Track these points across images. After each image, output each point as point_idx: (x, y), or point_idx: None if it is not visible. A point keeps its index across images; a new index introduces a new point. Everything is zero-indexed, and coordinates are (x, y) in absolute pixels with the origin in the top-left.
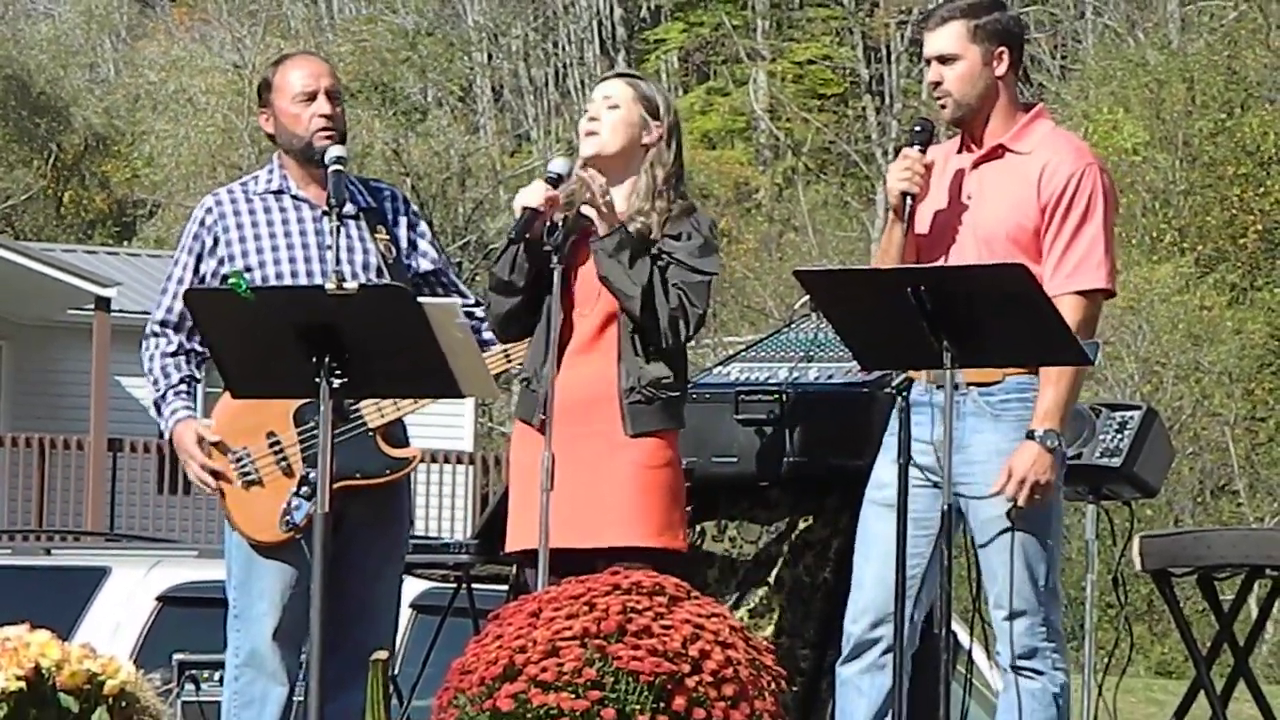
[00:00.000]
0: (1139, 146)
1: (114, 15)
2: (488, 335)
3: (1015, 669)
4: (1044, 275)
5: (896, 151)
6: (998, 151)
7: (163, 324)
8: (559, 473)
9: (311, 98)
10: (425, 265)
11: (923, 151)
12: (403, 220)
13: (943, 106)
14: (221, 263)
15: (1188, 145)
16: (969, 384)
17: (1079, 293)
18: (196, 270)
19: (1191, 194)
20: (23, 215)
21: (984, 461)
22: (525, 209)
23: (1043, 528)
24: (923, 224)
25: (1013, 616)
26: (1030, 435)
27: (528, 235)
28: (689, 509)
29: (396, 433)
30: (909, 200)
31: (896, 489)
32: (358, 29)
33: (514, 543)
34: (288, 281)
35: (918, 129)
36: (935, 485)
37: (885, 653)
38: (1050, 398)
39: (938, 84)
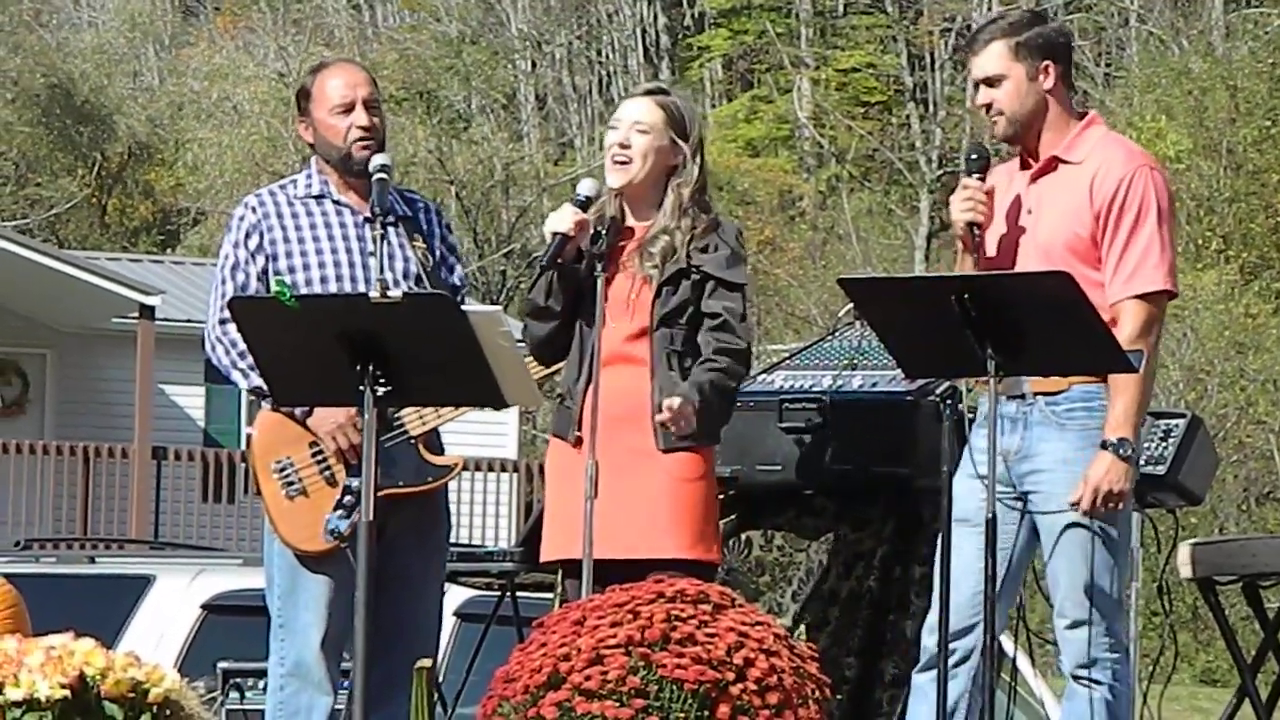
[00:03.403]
0: (1182, 154)
1: (157, 23)
2: None
3: (1075, 678)
4: (1105, 282)
5: (941, 160)
6: (1052, 164)
7: (222, 322)
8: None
9: (349, 108)
10: (455, 281)
11: (981, 179)
12: (437, 232)
13: (994, 125)
14: (268, 261)
15: (1231, 153)
16: (1035, 393)
17: (1139, 296)
18: (252, 260)
19: (1236, 201)
20: (67, 223)
21: (1050, 470)
22: (555, 234)
23: (1111, 538)
24: (990, 246)
25: (1075, 625)
26: (1104, 445)
27: (560, 260)
28: (734, 518)
29: (434, 440)
30: (975, 230)
31: (970, 504)
32: (402, 37)
33: (551, 552)
34: (331, 286)
35: (974, 157)
36: (1006, 497)
37: (957, 664)
38: (1121, 406)
39: (988, 106)
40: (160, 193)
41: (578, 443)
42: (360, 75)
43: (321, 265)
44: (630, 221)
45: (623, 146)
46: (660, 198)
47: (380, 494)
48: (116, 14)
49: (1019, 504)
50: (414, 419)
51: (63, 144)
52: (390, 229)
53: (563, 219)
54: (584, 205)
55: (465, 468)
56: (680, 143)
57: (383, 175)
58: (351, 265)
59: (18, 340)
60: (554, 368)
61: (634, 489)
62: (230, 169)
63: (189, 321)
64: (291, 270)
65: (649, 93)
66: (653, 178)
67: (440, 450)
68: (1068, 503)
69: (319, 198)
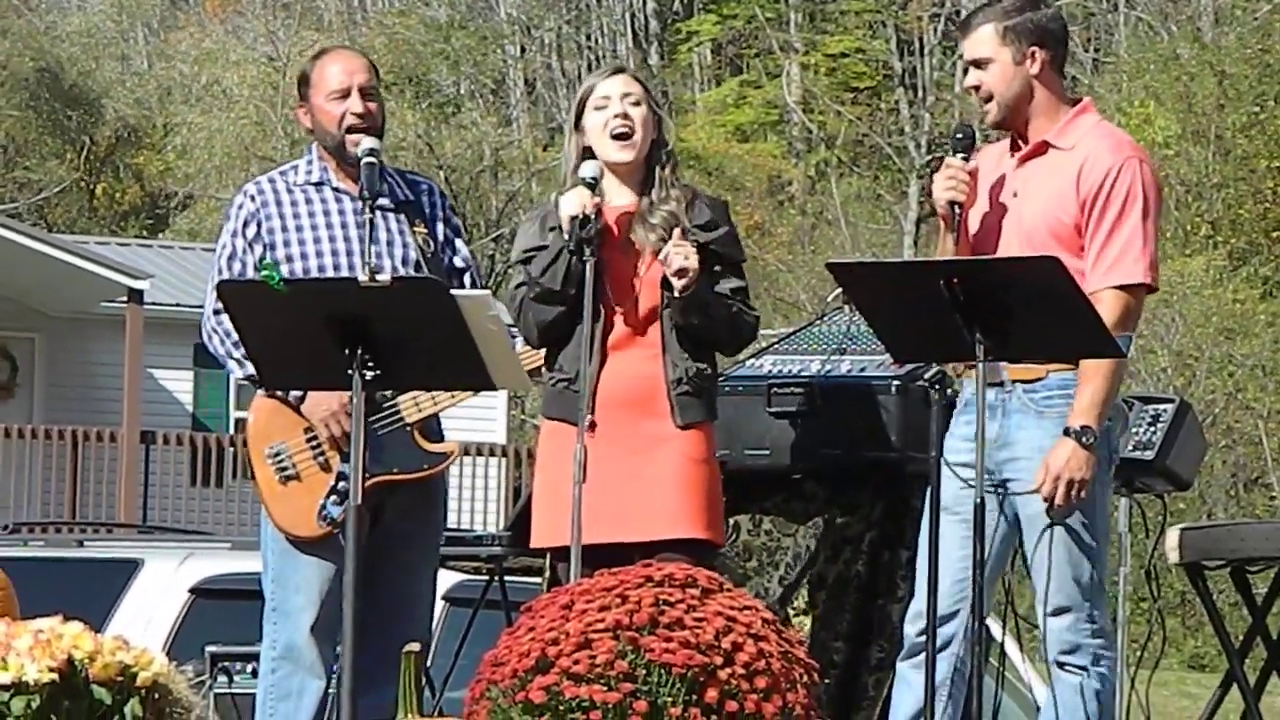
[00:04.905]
0: (1171, 140)
1: (146, 7)
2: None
3: (1059, 664)
4: (1086, 270)
5: (929, 145)
6: (1041, 148)
7: (218, 312)
8: (603, 468)
9: (345, 94)
10: (458, 263)
11: (965, 159)
12: (440, 215)
13: (985, 110)
14: (266, 249)
15: (1220, 139)
16: (1014, 381)
17: (1118, 287)
18: (250, 250)
19: (1224, 187)
20: (55, 208)
21: (1028, 458)
22: (574, 218)
23: (1088, 524)
24: (973, 227)
25: (1056, 613)
26: (1066, 432)
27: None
28: (722, 502)
29: (432, 427)
30: (956, 209)
31: (950, 491)
32: (391, 22)
33: (551, 538)
34: (330, 273)
35: (959, 136)
36: (986, 484)
37: (939, 650)
38: (1088, 394)
39: (977, 88)
40: (149, 177)
41: (592, 427)
42: (358, 62)
43: (320, 254)
44: (615, 200)
45: (625, 119)
46: (643, 172)
47: (374, 480)
48: None
49: (999, 491)
50: (410, 405)
51: (51, 128)
52: (390, 215)
53: (580, 202)
54: (592, 187)
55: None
56: (661, 113)
57: (370, 159)
58: (350, 253)
59: (6, 324)
60: (541, 354)
61: (651, 472)
62: (219, 153)
63: (178, 306)
64: (290, 259)
65: (619, 70)
66: (644, 151)
67: (439, 437)
68: (1032, 487)
69: (319, 184)
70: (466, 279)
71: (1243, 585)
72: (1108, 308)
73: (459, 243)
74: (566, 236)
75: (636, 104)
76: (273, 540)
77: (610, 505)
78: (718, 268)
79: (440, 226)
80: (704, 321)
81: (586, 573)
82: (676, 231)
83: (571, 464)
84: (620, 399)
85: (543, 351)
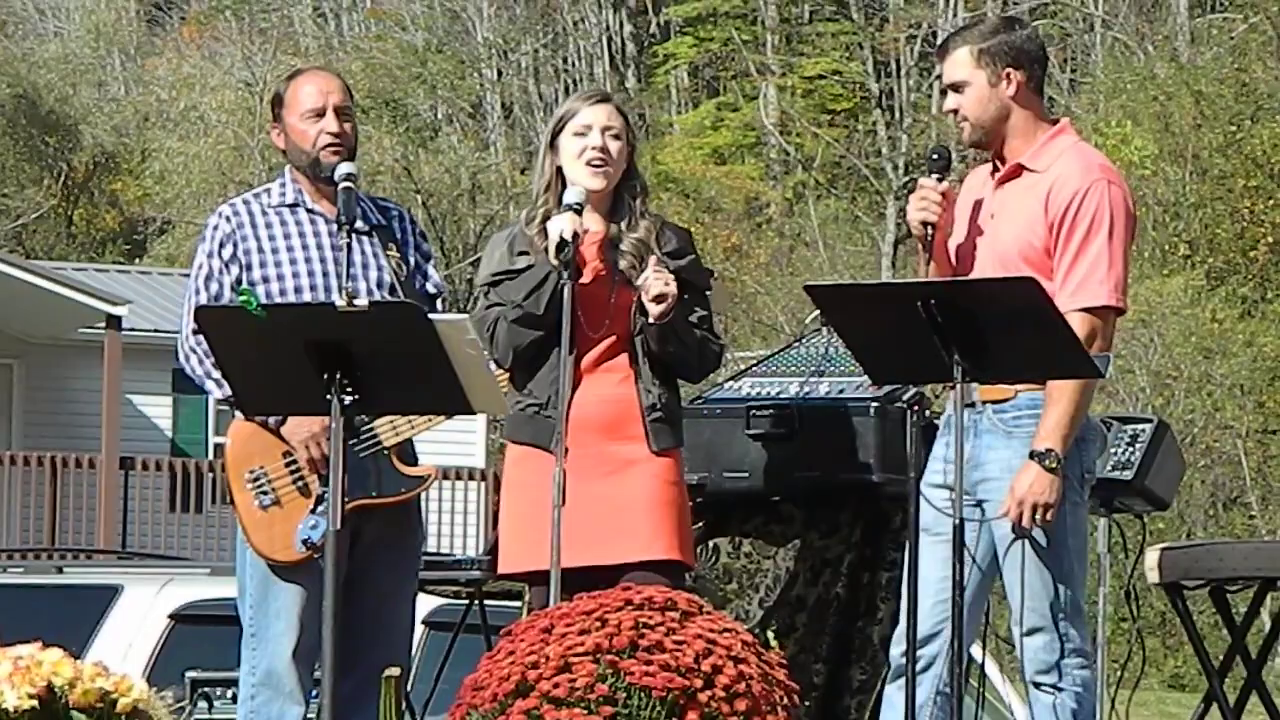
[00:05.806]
0: (1147, 160)
1: (123, 33)
2: None
3: (1036, 685)
4: (1054, 293)
5: (907, 167)
6: (1016, 171)
7: (196, 332)
8: (576, 492)
9: (320, 114)
10: (430, 288)
11: (940, 179)
12: (411, 241)
13: (961, 131)
14: (242, 270)
15: (1197, 158)
16: (984, 401)
17: (1083, 310)
18: (226, 270)
19: (1201, 207)
20: (33, 234)
21: (998, 479)
22: (563, 240)
23: (1059, 544)
24: (952, 249)
25: (1030, 633)
26: (1031, 455)
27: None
28: (701, 525)
29: (407, 450)
30: (930, 230)
31: (930, 512)
32: (367, 46)
33: (523, 563)
34: (305, 295)
35: (934, 157)
36: (965, 504)
37: (921, 672)
38: (1053, 417)
39: (955, 111)
40: (127, 203)
41: (567, 453)
42: (333, 83)
43: (295, 275)
44: (586, 226)
45: (603, 151)
46: (612, 200)
47: (353, 504)
48: (82, 24)
49: (977, 511)
50: (387, 429)
51: (29, 154)
52: (364, 238)
53: (569, 225)
54: (579, 212)
55: (434, 477)
56: (635, 144)
57: (348, 184)
58: (325, 275)
59: None
60: (505, 376)
61: (624, 495)
62: (197, 178)
63: (156, 331)
64: (265, 280)
65: (605, 98)
66: (616, 181)
67: (414, 460)
68: (999, 513)
69: (293, 206)
70: (439, 305)
71: (1222, 605)
72: (1075, 330)
73: (430, 269)
74: (555, 260)
75: (616, 137)
76: (252, 566)
77: (584, 528)
78: (686, 296)
79: (412, 252)
80: (677, 349)
81: (562, 597)
82: (652, 259)
83: (542, 489)
84: (592, 423)
85: (507, 374)
